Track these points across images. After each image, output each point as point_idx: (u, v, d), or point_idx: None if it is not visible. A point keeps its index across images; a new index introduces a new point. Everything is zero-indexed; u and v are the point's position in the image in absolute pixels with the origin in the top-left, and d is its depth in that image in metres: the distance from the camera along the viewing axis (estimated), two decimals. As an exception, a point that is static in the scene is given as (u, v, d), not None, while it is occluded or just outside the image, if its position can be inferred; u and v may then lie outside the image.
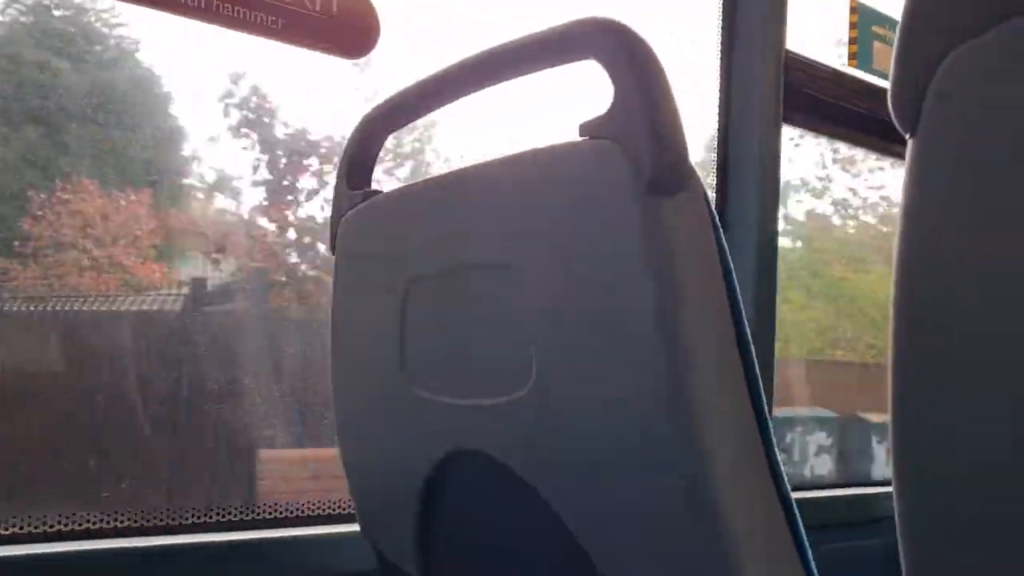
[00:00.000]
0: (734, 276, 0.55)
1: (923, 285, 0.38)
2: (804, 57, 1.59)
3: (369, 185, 0.83)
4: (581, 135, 0.56)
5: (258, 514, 1.07)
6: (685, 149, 0.53)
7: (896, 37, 0.38)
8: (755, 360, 0.55)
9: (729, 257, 0.55)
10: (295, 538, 1.07)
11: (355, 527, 0.87)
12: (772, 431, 0.56)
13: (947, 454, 0.38)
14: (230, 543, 1.03)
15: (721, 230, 0.55)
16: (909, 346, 0.39)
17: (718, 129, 1.55)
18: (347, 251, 0.81)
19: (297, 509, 1.10)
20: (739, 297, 0.55)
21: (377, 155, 0.84)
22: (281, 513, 1.09)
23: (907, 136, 0.38)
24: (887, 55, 1.86)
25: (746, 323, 0.55)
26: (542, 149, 0.59)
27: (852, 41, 1.85)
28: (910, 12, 0.38)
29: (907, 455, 0.39)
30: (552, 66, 0.62)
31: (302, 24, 1.05)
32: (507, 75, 0.66)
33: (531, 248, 0.60)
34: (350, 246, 0.81)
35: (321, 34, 1.07)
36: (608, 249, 0.54)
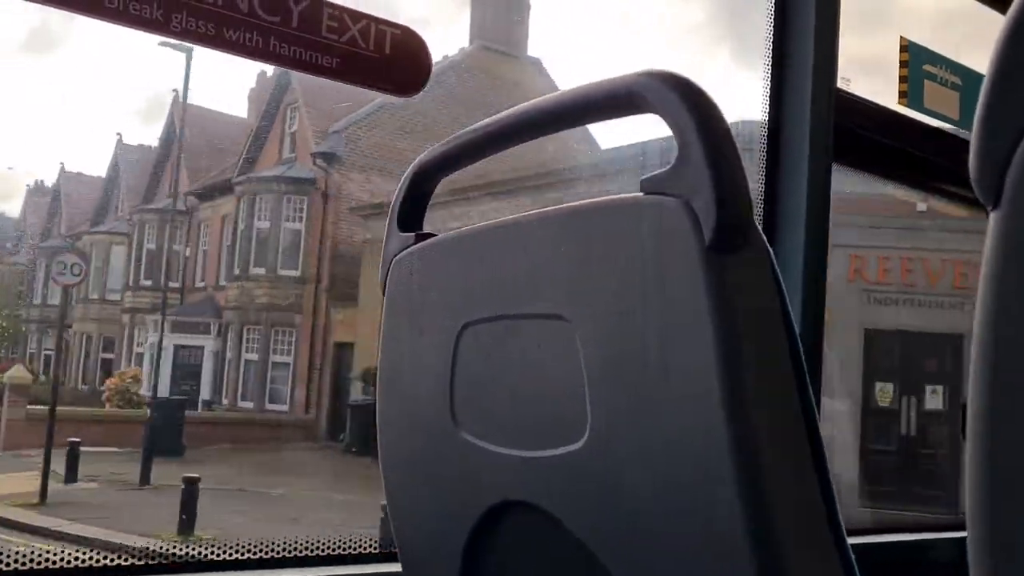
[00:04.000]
0: (797, 333, 0.54)
1: (1010, 352, 0.36)
2: (856, 96, 1.57)
3: (421, 228, 0.83)
4: (643, 191, 0.56)
5: (300, 551, 1.07)
6: (749, 207, 0.53)
7: (980, 101, 0.37)
8: (817, 416, 0.54)
9: (791, 314, 0.54)
10: (337, 577, 1.06)
11: (397, 567, 0.87)
12: (833, 485, 0.54)
13: None
14: None
15: (784, 287, 0.54)
16: (995, 431, 0.38)
17: (765, 166, 1.53)
18: (398, 293, 0.81)
19: (339, 547, 1.09)
20: (801, 353, 0.54)
21: (430, 198, 0.84)
22: (323, 551, 1.08)
23: (989, 209, 0.37)
24: (939, 95, 1.83)
25: (808, 379, 0.54)
26: (603, 202, 0.58)
27: (903, 80, 1.82)
28: (995, 76, 0.37)
29: (987, 498, 0.38)
30: (610, 119, 0.62)
31: (357, 64, 1.07)
32: (564, 126, 0.66)
33: (588, 300, 0.59)
34: (401, 288, 0.81)
35: (375, 73, 1.09)
36: (669, 305, 0.54)
